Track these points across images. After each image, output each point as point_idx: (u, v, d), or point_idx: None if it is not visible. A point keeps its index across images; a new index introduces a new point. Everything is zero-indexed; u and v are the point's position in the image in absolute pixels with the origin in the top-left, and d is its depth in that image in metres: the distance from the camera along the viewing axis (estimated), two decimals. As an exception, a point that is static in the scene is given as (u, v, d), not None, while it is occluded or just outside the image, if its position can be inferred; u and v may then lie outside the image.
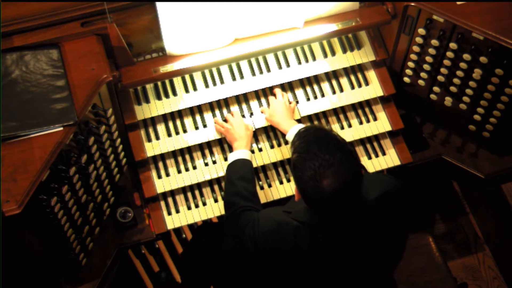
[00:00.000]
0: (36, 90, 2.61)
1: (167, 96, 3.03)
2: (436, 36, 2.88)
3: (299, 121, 3.12)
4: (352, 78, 3.18)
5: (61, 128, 2.54)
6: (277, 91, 3.08)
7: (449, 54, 2.89)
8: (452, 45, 2.85)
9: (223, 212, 2.98)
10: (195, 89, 3.05)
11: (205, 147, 3.09)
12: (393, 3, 2.99)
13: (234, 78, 3.08)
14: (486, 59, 2.79)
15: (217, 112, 3.09)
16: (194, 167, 3.04)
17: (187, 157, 3.06)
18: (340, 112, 3.18)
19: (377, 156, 3.16)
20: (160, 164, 3.04)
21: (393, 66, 3.20)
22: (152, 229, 2.99)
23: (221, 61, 2.95)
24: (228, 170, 2.86)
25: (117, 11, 2.78)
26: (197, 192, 3.07)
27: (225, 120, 3.06)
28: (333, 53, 3.15)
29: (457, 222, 4.06)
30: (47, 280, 2.88)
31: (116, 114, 2.86)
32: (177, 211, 3.03)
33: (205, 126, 3.06)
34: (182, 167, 3.04)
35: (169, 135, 3.03)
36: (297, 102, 3.12)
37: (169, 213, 3.02)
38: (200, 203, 3.05)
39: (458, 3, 2.80)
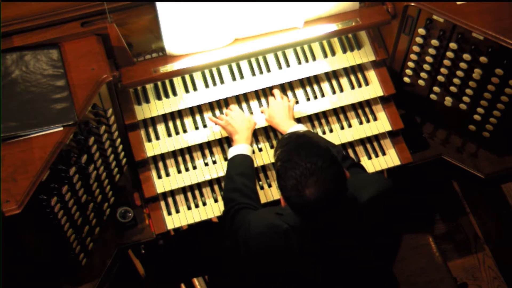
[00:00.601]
0: (36, 90, 2.61)
1: (167, 96, 3.03)
2: (436, 36, 2.88)
3: (299, 120, 3.12)
4: (352, 78, 3.18)
5: (61, 128, 2.54)
6: (276, 92, 3.08)
7: (449, 54, 2.89)
8: (452, 45, 2.85)
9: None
10: (195, 89, 3.05)
11: (205, 147, 3.09)
12: (393, 3, 2.99)
13: (234, 78, 3.08)
14: (486, 59, 2.79)
15: (217, 112, 3.09)
16: (194, 167, 3.04)
17: (187, 157, 3.06)
18: (340, 112, 3.18)
19: (377, 156, 3.16)
20: (160, 164, 3.04)
21: (393, 66, 3.20)
22: (152, 229, 2.99)
23: (221, 61, 2.95)
24: (228, 165, 2.86)
25: (117, 11, 2.78)
26: (197, 192, 3.07)
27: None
28: (333, 53, 3.15)
29: (457, 222, 4.06)
30: (47, 280, 2.88)
31: (116, 114, 2.86)
32: (177, 211, 3.03)
33: (205, 126, 3.06)
34: (182, 167, 3.04)
35: (169, 135, 3.03)
36: (297, 102, 3.12)
37: (169, 213, 3.02)
38: (200, 203, 3.05)
39: (458, 3, 2.80)
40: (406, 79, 3.18)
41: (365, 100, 3.17)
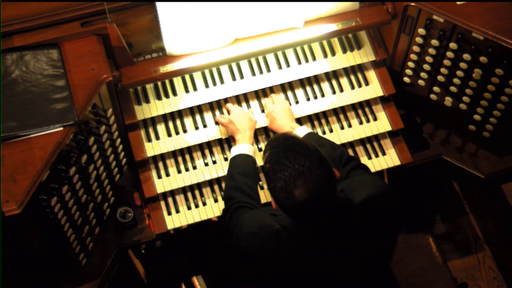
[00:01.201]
0: (36, 90, 2.61)
1: (167, 96, 3.03)
2: (436, 36, 2.88)
3: (298, 120, 3.12)
4: (352, 78, 3.18)
5: (61, 128, 2.54)
6: (273, 96, 3.08)
7: (449, 54, 2.89)
8: (452, 45, 2.85)
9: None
10: (195, 89, 3.05)
11: (205, 147, 3.09)
12: (393, 3, 2.99)
13: (234, 78, 3.08)
14: (486, 59, 2.79)
15: (217, 112, 3.09)
16: (194, 167, 3.04)
17: (187, 157, 3.06)
18: (340, 112, 3.19)
19: (377, 156, 3.16)
20: (160, 164, 3.04)
21: (393, 66, 3.20)
22: (152, 229, 2.99)
23: (221, 61, 2.95)
24: (229, 164, 2.86)
25: (117, 11, 2.78)
26: (197, 192, 3.07)
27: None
28: (333, 53, 3.15)
29: (457, 222, 4.06)
30: (47, 280, 2.88)
31: (116, 114, 2.86)
32: (177, 211, 3.03)
33: (205, 126, 3.06)
34: (182, 167, 3.04)
35: (169, 135, 3.03)
36: (297, 102, 3.12)
37: (169, 213, 3.02)
38: (200, 203, 3.05)
39: (458, 3, 2.80)
40: (406, 79, 3.18)
41: (365, 100, 3.17)
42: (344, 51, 3.16)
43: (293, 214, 2.24)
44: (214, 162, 3.05)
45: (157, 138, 3.02)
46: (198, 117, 3.08)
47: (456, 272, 3.82)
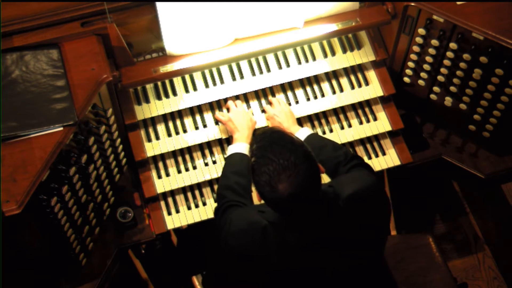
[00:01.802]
0: (36, 90, 2.61)
1: (167, 96, 3.03)
2: (436, 36, 2.88)
3: (299, 120, 3.12)
4: (352, 78, 3.18)
5: (61, 128, 2.54)
6: (273, 100, 3.07)
7: (449, 54, 2.89)
8: (452, 45, 2.85)
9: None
10: (195, 89, 3.05)
11: (205, 147, 3.09)
12: (393, 3, 2.99)
13: (234, 78, 3.08)
14: (486, 59, 2.79)
15: (217, 112, 3.09)
16: (194, 167, 3.04)
17: (187, 157, 3.06)
18: (340, 112, 3.19)
19: (377, 156, 3.16)
20: (160, 164, 3.04)
21: (393, 66, 3.20)
22: (152, 229, 2.99)
23: (221, 61, 2.95)
24: (225, 162, 2.87)
25: (117, 11, 2.78)
26: (197, 192, 3.07)
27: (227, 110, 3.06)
28: (333, 53, 3.15)
29: (457, 222, 4.06)
30: (47, 280, 2.88)
31: (116, 114, 2.86)
32: (177, 211, 3.03)
33: (205, 126, 3.06)
34: (182, 167, 3.04)
35: (169, 135, 3.03)
36: (297, 102, 3.12)
37: (169, 213, 3.02)
38: (200, 203, 3.05)
39: (458, 3, 2.80)
40: (406, 79, 3.18)
41: (365, 100, 3.17)
42: (344, 51, 3.16)
43: (278, 208, 2.25)
44: (214, 162, 3.05)
45: (157, 138, 3.02)
46: (198, 117, 3.08)
47: (456, 272, 3.82)
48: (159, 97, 3.02)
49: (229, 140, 3.08)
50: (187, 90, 3.04)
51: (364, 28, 3.07)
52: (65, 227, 2.66)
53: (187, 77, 3.06)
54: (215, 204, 3.03)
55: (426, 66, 3.03)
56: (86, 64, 2.68)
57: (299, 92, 3.15)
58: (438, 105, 3.16)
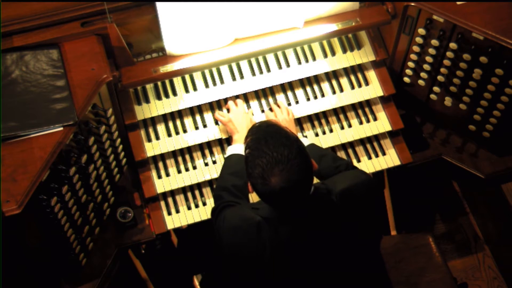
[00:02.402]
0: (36, 90, 2.61)
1: (167, 96, 3.03)
2: (436, 36, 2.88)
3: (299, 120, 3.12)
4: (352, 78, 3.18)
5: (61, 128, 2.54)
6: (275, 107, 3.06)
7: (449, 54, 2.89)
8: (452, 45, 2.85)
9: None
10: (195, 89, 3.05)
11: (205, 147, 3.09)
12: (393, 3, 2.99)
13: (234, 78, 3.08)
14: (486, 59, 2.79)
15: (217, 112, 3.08)
16: (194, 167, 3.04)
17: (187, 157, 3.06)
18: (340, 112, 3.19)
19: (377, 156, 3.16)
20: (160, 164, 3.04)
21: (393, 66, 3.20)
22: (152, 229, 2.99)
23: (221, 61, 2.95)
24: (223, 163, 2.87)
25: (117, 11, 2.78)
26: (197, 192, 3.07)
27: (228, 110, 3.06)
28: (333, 53, 3.15)
29: (457, 222, 4.06)
30: (47, 280, 2.88)
31: (116, 114, 2.86)
32: (177, 211, 3.03)
33: (205, 126, 3.06)
34: (182, 167, 3.04)
35: (169, 135, 3.03)
36: (297, 102, 3.12)
37: (169, 213, 3.02)
38: (200, 203, 3.05)
39: (458, 3, 2.80)
40: (406, 79, 3.18)
41: (365, 100, 3.17)
42: (344, 51, 3.16)
43: (269, 201, 2.27)
44: (214, 162, 3.05)
45: (157, 138, 3.02)
46: (198, 117, 3.08)
47: (456, 272, 3.82)
48: (159, 97, 3.02)
49: (229, 140, 3.08)
50: (187, 90, 3.04)
51: (364, 28, 3.07)
52: (65, 227, 2.66)
53: (187, 77, 3.06)
54: (214, 204, 3.03)
55: (426, 66, 3.03)
56: (86, 64, 2.68)
57: (299, 92, 3.15)
58: (438, 105, 3.16)
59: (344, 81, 3.18)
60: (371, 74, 3.19)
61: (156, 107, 3.01)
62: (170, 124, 3.05)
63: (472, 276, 3.89)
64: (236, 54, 2.94)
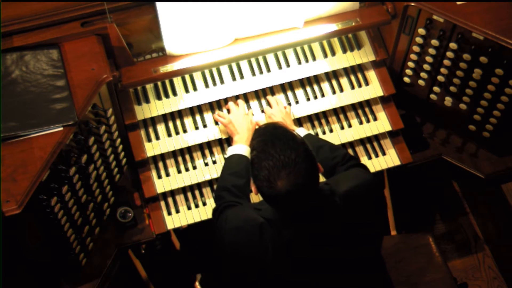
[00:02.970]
0: (36, 90, 2.61)
1: (167, 96, 3.03)
2: (436, 36, 2.88)
3: (299, 120, 3.12)
4: (352, 78, 3.18)
5: (61, 128, 2.54)
6: (271, 99, 3.07)
7: (449, 54, 2.89)
8: (452, 45, 2.85)
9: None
10: (195, 89, 3.05)
11: (205, 147, 3.09)
12: (393, 3, 2.99)
13: (234, 78, 3.08)
14: (486, 59, 2.79)
15: (217, 112, 3.09)
16: (194, 167, 3.04)
17: (187, 157, 3.06)
18: (340, 112, 3.19)
19: (377, 156, 3.16)
20: (160, 164, 3.04)
21: (393, 66, 3.20)
22: (152, 229, 2.99)
23: (221, 61, 2.95)
24: (224, 164, 2.87)
25: (117, 11, 2.78)
26: (197, 192, 3.07)
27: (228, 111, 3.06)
28: (333, 53, 3.15)
29: (457, 222, 4.06)
30: (47, 280, 2.88)
31: (116, 114, 2.86)
32: (177, 211, 3.03)
33: (205, 126, 3.06)
34: (182, 167, 3.04)
35: (169, 135, 3.03)
36: (297, 102, 3.12)
37: (169, 213, 3.02)
38: (200, 203, 3.05)
39: (458, 3, 2.80)
40: (406, 79, 3.18)
41: (365, 100, 3.17)
42: (344, 51, 3.16)
43: (274, 204, 2.25)
44: (214, 162, 3.05)
45: (157, 138, 3.02)
46: (198, 117, 3.08)
47: (456, 272, 3.82)
48: (159, 97, 3.03)
49: (229, 140, 3.08)
50: (187, 90, 3.04)
51: (364, 28, 3.07)
52: (65, 227, 2.66)
53: (187, 77, 3.06)
54: (215, 205, 3.03)
55: (426, 66, 3.03)
56: (86, 64, 2.68)
57: (299, 92, 3.15)
58: (438, 105, 3.16)
59: (344, 81, 3.18)
60: (371, 74, 3.19)
61: (156, 107, 3.01)
62: (170, 124, 3.05)
63: (472, 276, 3.89)
64: (236, 54, 2.94)
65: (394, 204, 3.56)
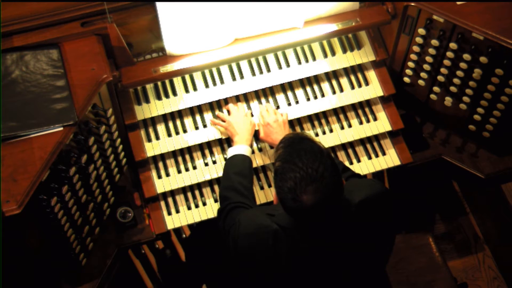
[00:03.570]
0: (36, 90, 2.61)
1: (167, 96, 3.03)
2: (436, 36, 2.88)
3: (299, 121, 3.12)
4: (352, 78, 3.18)
5: (61, 128, 2.54)
6: (269, 107, 3.05)
7: (449, 54, 2.89)
8: (452, 45, 2.85)
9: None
10: (195, 89, 3.05)
11: (205, 147, 3.09)
12: (393, 3, 2.99)
13: (234, 78, 3.08)
14: (486, 59, 2.79)
15: (217, 112, 3.09)
16: (194, 167, 3.04)
17: (187, 157, 3.06)
18: (340, 112, 3.19)
19: (377, 156, 3.16)
20: (160, 164, 3.04)
21: (393, 66, 3.20)
22: (152, 229, 2.99)
23: (221, 61, 2.95)
24: (226, 164, 2.86)
25: (117, 11, 2.78)
26: (197, 192, 3.07)
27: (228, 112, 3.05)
28: (333, 53, 3.15)
29: (457, 222, 4.06)
30: (47, 280, 2.88)
31: (116, 114, 2.86)
32: (177, 211, 3.03)
33: (205, 126, 3.06)
34: (182, 167, 3.04)
35: (169, 135, 3.03)
36: (297, 102, 3.12)
37: (169, 213, 3.02)
38: (200, 203, 3.05)
39: (458, 3, 2.80)
40: (406, 79, 3.18)
41: (365, 100, 3.17)
42: (344, 51, 3.16)
43: (295, 216, 2.22)
44: (214, 162, 3.05)
45: (157, 138, 3.02)
46: (198, 117, 3.08)
47: (456, 272, 3.82)
48: (159, 97, 3.03)
49: (229, 140, 3.08)
50: (187, 90, 3.04)
51: (364, 28, 3.07)
52: (65, 227, 2.66)
53: (187, 77, 3.06)
54: (215, 204, 3.03)
55: (426, 66, 3.03)
56: (86, 64, 2.68)
57: (299, 92, 3.15)
58: (438, 105, 3.15)
59: (344, 81, 3.18)
60: (371, 74, 3.19)
61: (156, 107, 3.01)
62: (170, 124, 3.05)
63: (472, 276, 3.89)
64: (236, 54, 2.94)
65: (394, 204, 3.56)
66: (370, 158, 3.16)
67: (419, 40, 2.95)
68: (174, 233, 3.54)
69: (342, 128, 3.15)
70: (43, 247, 2.69)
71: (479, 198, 4.04)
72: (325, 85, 3.17)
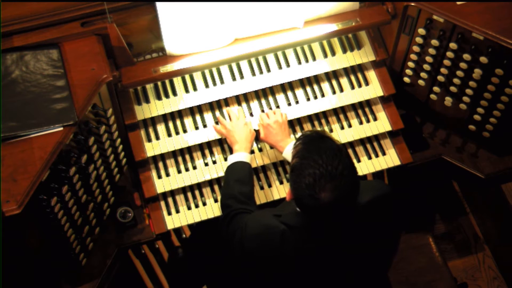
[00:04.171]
0: (36, 90, 2.61)
1: (167, 96, 3.03)
2: (436, 36, 2.88)
3: (299, 121, 3.12)
4: (352, 78, 3.18)
5: (61, 128, 2.54)
6: (269, 112, 3.04)
7: (449, 54, 2.89)
8: (452, 45, 2.85)
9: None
10: (195, 89, 3.05)
11: (205, 147, 3.09)
12: (393, 3, 2.99)
13: (234, 78, 3.08)
14: (486, 59, 2.79)
15: (217, 112, 3.09)
16: (194, 167, 3.04)
17: (187, 157, 3.06)
18: (340, 112, 3.19)
19: (377, 156, 3.16)
20: (160, 164, 3.04)
21: (393, 66, 3.20)
22: (152, 229, 2.99)
23: (221, 61, 2.95)
24: (226, 172, 2.87)
25: (117, 11, 2.78)
26: (197, 192, 3.07)
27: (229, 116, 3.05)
28: (333, 53, 3.15)
29: (457, 222, 4.06)
30: (47, 280, 2.88)
31: (116, 114, 2.86)
32: (177, 211, 3.03)
33: (205, 126, 3.06)
34: (182, 167, 3.04)
35: (169, 135, 3.03)
36: (297, 102, 3.12)
37: (169, 213, 3.02)
38: (200, 203, 3.05)
39: (458, 3, 2.80)
40: (406, 79, 3.18)
41: (365, 100, 3.17)
42: (344, 51, 3.16)
43: (310, 213, 2.21)
44: (214, 162, 3.05)
45: (157, 138, 3.02)
46: (198, 117, 3.08)
47: (456, 272, 3.82)
48: (159, 97, 3.03)
49: (229, 140, 3.09)
50: (187, 90, 3.04)
51: (364, 28, 3.07)
52: (65, 227, 2.66)
53: (187, 77, 3.06)
54: (215, 204, 3.03)
55: (426, 66, 3.03)
56: (86, 64, 2.68)
57: (299, 92, 3.15)
58: (438, 105, 3.16)
59: (344, 81, 3.18)
60: (371, 74, 3.19)
61: (156, 107, 3.01)
62: (170, 124, 3.05)
63: (472, 276, 3.89)
64: (236, 54, 2.94)
65: (394, 204, 3.56)
66: (370, 158, 3.16)
67: (419, 40, 2.95)
68: (174, 233, 3.54)
69: (342, 128, 3.15)
70: (43, 247, 2.69)
71: (479, 198, 4.04)
72: (325, 85, 3.17)
